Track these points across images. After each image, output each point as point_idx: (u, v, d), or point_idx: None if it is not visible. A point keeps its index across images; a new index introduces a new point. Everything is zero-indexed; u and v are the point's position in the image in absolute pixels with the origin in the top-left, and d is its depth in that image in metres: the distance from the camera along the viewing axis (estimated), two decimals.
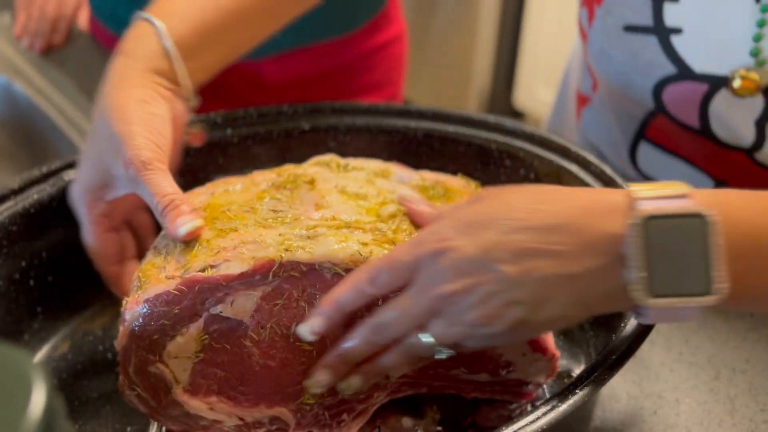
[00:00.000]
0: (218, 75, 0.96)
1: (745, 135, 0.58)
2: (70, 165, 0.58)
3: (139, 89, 0.51)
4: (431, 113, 0.64)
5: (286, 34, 0.90)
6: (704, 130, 0.60)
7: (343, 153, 0.65)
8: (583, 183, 0.57)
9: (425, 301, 0.40)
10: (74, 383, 0.56)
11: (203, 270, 0.44)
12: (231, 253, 0.44)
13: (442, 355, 0.42)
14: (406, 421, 0.50)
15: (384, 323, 0.42)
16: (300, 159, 0.64)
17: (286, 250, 0.44)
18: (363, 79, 1.00)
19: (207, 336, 0.45)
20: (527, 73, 1.93)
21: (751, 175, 0.62)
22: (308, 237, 0.45)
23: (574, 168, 0.58)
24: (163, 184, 0.48)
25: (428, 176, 0.57)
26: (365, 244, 0.45)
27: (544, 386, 0.52)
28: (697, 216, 0.37)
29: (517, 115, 2.01)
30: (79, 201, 0.53)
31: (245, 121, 0.64)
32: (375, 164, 0.57)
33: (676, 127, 0.63)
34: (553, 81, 1.97)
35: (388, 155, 0.63)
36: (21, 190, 0.56)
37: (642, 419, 0.49)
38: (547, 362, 0.47)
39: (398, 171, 0.57)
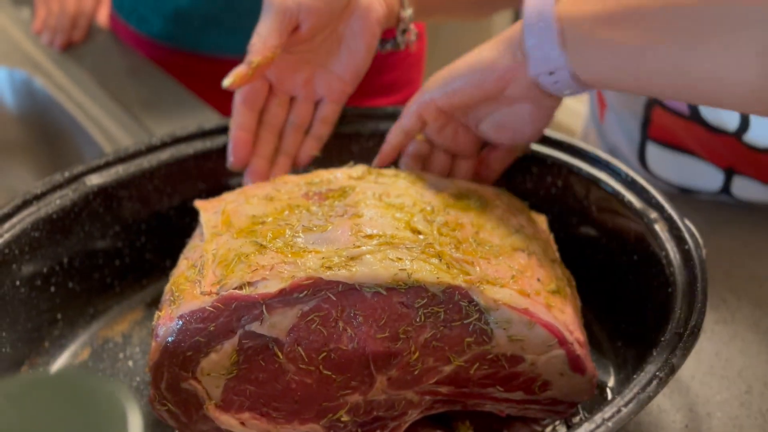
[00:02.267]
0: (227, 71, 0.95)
1: (730, 117, 0.59)
2: (93, 170, 0.57)
3: None
4: None
5: None
6: (694, 116, 0.61)
7: (367, 159, 0.64)
8: (612, 192, 0.56)
9: None
10: None
11: (240, 287, 0.43)
12: (269, 272, 0.43)
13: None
14: None
15: None
16: (323, 165, 0.63)
17: (328, 268, 0.43)
18: (382, 79, 0.99)
19: (242, 353, 0.45)
20: None
21: (749, 161, 0.62)
22: (350, 258, 0.44)
23: (603, 176, 0.57)
24: (270, 29, 0.54)
25: (462, 184, 0.56)
26: (411, 260, 0.44)
27: None
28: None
29: None
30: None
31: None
32: (405, 173, 0.56)
33: (671, 117, 0.63)
34: None
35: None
36: (43, 195, 0.54)
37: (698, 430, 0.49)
38: (587, 382, 0.47)
39: (430, 179, 0.56)
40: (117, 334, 0.60)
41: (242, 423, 0.47)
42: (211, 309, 0.43)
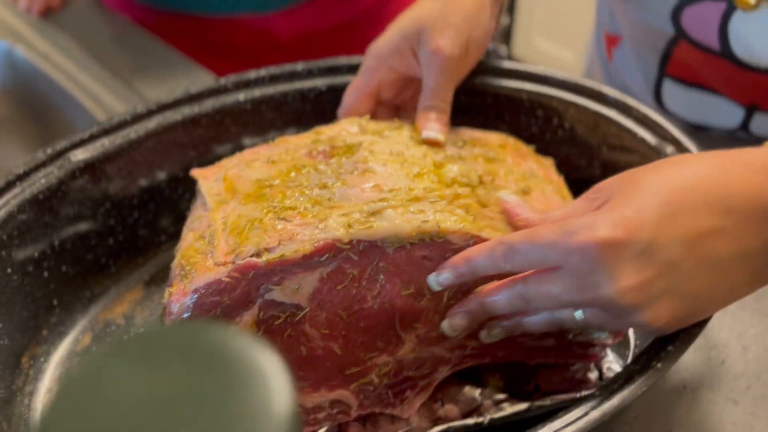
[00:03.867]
0: (225, 33, 0.91)
1: (765, 53, 0.57)
2: (77, 144, 0.53)
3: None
4: None
5: None
6: (725, 52, 0.59)
7: None
8: (623, 129, 0.54)
9: (580, 297, 0.37)
10: None
11: (257, 254, 0.41)
12: (287, 235, 0.41)
13: (602, 335, 0.41)
14: (469, 391, 0.48)
15: (535, 298, 0.39)
16: (317, 122, 0.60)
17: (349, 226, 0.41)
18: (375, 31, 0.95)
19: (262, 324, 0.42)
20: (524, 24, 1.90)
21: None
22: (371, 213, 0.42)
23: (613, 114, 0.56)
24: (445, 86, 0.52)
25: (465, 133, 0.54)
26: (433, 212, 0.42)
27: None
28: None
29: None
30: (380, 51, 0.54)
31: (257, 84, 0.59)
32: (408, 124, 0.53)
33: (698, 53, 0.61)
34: (550, 31, 1.94)
35: (405, 111, 0.60)
36: (27, 174, 0.51)
37: (710, 370, 0.48)
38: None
39: (429, 126, 0.53)
40: (118, 316, 0.57)
41: None
42: (227, 279, 0.40)
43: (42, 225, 0.52)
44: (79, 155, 0.53)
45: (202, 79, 0.84)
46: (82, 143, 0.53)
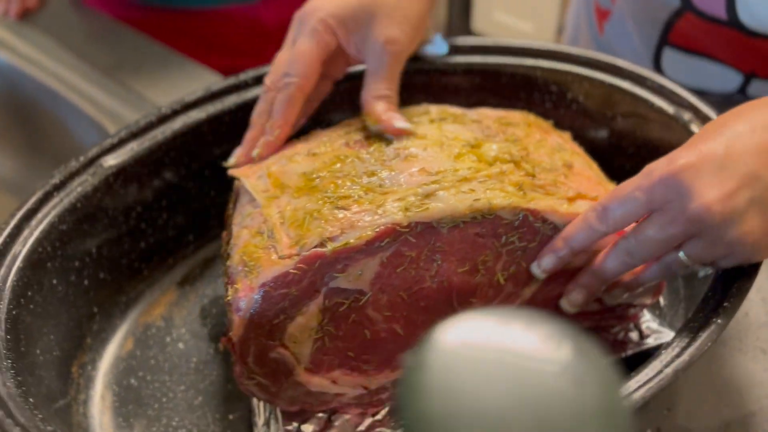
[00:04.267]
0: (213, 26, 0.90)
1: None
2: (107, 150, 0.53)
3: None
4: (468, 47, 0.62)
5: None
6: (732, 21, 0.61)
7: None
8: (639, 99, 0.57)
9: (679, 226, 0.40)
10: (155, 379, 0.53)
11: (321, 244, 0.42)
12: (348, 223, 0.42)
13: (702, 272, 0.43)
14: None
15: (638, 248, 0.41)
16: (337, 110, 0.61)
17: (406, 209, 0.42)
18: None
19: (327, 311, 0.43)
20: None
21: None
22: (425, 196, 0.43)
23: (626, 85, 0.58)
24: (395, 76, 0.51)
25: (486, 112, 0.56)
26: (483, 191, 0.43)
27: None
28: None
29: None
30: (315, 17, 0.51)
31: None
32: (432, 108, 0.54)
33: (702, 23, 0.63)
34: (509, 4, 1.96)
35: (426, 96, 0.61)
36: (63, 184, 0.50)
37: (736, 322, 0.51)
38: (655, 284, 0.48)
39: (455, 111, 0.55)
40: (157, 319, 0.58)
41: (334, 381, 0.46)
42: (294, 272, 0.41)
43: (81, 233, 0.52)
44: (111, 161, 0.53)
45: (195, 73, 0.83)
46: (112, 149, 0.53)
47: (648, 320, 0.52)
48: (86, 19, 0.92)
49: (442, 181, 0.44)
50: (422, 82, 0.62)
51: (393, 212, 0.42)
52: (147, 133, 0.55)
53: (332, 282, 0.43)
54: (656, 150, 0.57)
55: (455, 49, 0.62)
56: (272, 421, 0.47)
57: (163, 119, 0.56)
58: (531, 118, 0.56)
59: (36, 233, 0.48)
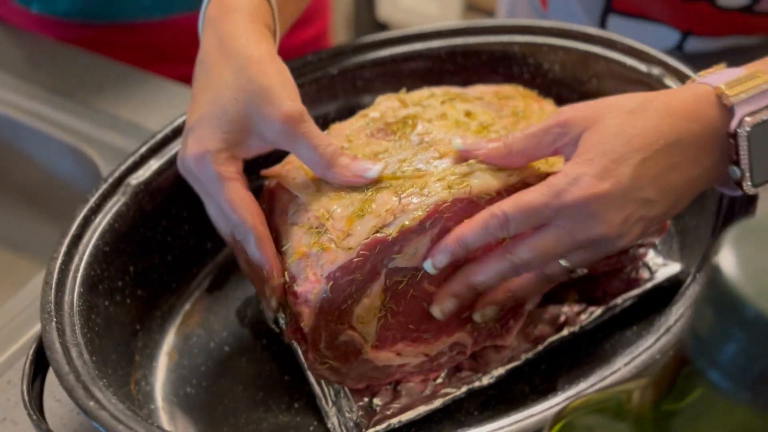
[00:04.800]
0: (163, 35, 0.89)
1: None
2: (131, 169, 0.54)
3: (265, 44, 0.48)
4: (449, 30, 0.65)
5: None
6: None
7: (370, 89, 0.66)
8: (612, 62, 0.62)
9: (573, 243, 0.44)
10: (211, 384, 0.55)
11: (378, 231, 0.45)
12: (399, 208, 0.45)
13: (577, 274, 0.47)
14: (553, 309, 0.55)
15: (525, 262, 0.44)
16: (333, 104, 0.64)
17: (450, 188, 0.46)
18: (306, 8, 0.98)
19: (388, 290, 0.46)
20: None
21: (715, 22, 0.71)
22: (463, 175, 0.47)
23: (598, 49, 0.63)
24: (318, 134, 0.46)
25: (480, 88, 0.60)
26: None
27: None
28: None
29: (383, 27, 2.03)
30: (207, 165, 0.46)
31: None
32: (435, 90, 0.58)
33: None
34: None
35: (413, 81, 0.65)
36: (99, 206, 0.51)
37: None
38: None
39: (455, 90, 0.58)
40: (195, 328, 0.59)
41: (398, 353, 0.49)
42: (357, 259, 0.44)
43: (121, 253, 0.52)
44: (138, 178, 0.54)
45: (159, 86, 0.84)
46: (135, 167, 0.54)
47: (652, 257, 0.58)
48: (31, 45, 0.89)
49: (473, 160, 0.47)
50: (411, 69, 0.66)
51: (438, 192, 0.46)
52: (165, 147, 0.56)
53: (391, 263, 0.46)
54: None
55: (437, 35, 0.66)
56: (343, 401, 0.50)
57: (179, 131, 0.57)
58: (521, 89, 0.61)
59: (85, 257, 0.48)
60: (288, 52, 1.00)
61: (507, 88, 0.60)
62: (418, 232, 0.46)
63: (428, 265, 0.46)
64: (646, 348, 0.43)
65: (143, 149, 0.55)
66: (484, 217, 0.44)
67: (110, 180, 0.52)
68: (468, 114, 0.54)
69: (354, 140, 0.52)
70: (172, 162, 0.56)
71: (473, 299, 0.49)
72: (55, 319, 0.44)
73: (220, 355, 0.57)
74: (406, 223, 0.45)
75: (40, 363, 0.44)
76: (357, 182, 0.46)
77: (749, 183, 0.46)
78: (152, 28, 0.91)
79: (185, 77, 0.88)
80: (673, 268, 0.57)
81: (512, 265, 0.45)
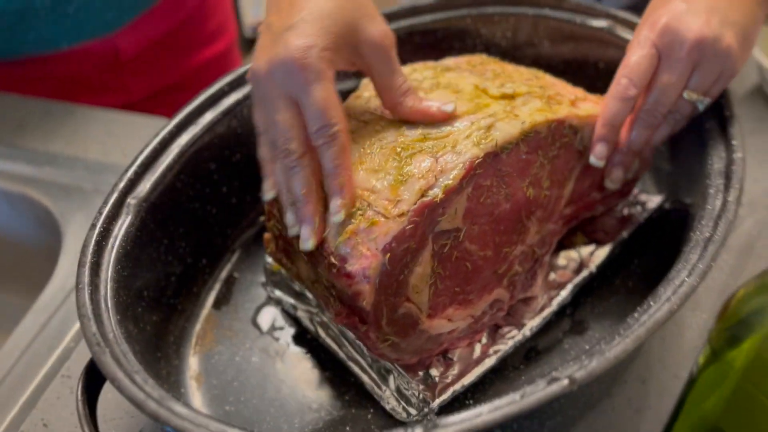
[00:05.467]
0: (73, 65, 0.84)
1: None
2: (129, 188, 0.50)
3: None
4: (405, 11, 0.67)
5: None
6: None
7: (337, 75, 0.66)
8: (563, 21, 0.66)
9: (685, 60, 0.50)
10: (251, 397, 0.52)
11: (423, 195, 0.45)
12: (438, 170, 0.45)
13: (702, 105, 0.52)
14: (566, 254, 0.57)
15: (659, 102, 0.51)
16: None
17: (478, 143, 0.47)
18: (208, 25, 0.96)
19: (436, 256, 0.47)
20: None
21: None
22: (487, 128, 0.48)
23: (547, 12, 0.67)
24: (401, 67, 0.50)
25: (456, 60, 0.61)
26: (523, 113, 0.49)
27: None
28: None
29: None
30: (311, 58, 0.45)
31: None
32: (420, 66, 0.59)
33: None
34: None
35: None
36: (107, 229, 0.47)
37: None
38: (645, 160, 0.58)
39: (432, 64, 0.60)
40: (213, 345, 0.56)
41: (449, 319, 0.49)
42: (410, 227, 0.44)
43: (135, 278, 0.49)
44: (135, 197, 0.50)
45: (86, 115, 0.79)
46: (132, 185, 0.51)
47: (639, 194, 0.62)
48: None
49: (496, 114, 0.49)
50: None
51: (468, 148, 0.46)
52: (156, 160, 0.53)
53: (437, 227, 0.46)
54: (585, 61, 0.67)
55: (394, 16, 0.67)
56: (398, 381, 0.49)
57: (165, 144, 0.54)
58: (484, 56, 0.63)
59: (110, 283, 0.45)
60: (196, 70, 0.98)
61: (475, 57, 0.62)
62: (458, 191, 0.46)
63: (594, 159, 0.52)
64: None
65: (136, 166, 0.51)
66: (614, 93, 0.52)
67: (111, 201, 0.49)
68: (459, 80, 0.55)
69: (360, 120, 0.51)
70: (164, 175, 0.53)
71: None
72: (108, 350, 0.40)
73: (250, 367, 0.54)
74: (449, 182, 0.45)
75: (92, 401, 0.41)
76: (428, 116, 0.48)
77: None
78: (62, 59, 0.85)
79: (109, 106, 0.84)
80: (657, 200, 0.61)
81: (649, 113, 0.52)
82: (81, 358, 0.56)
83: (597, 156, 0.52)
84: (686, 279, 0.42)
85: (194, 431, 0.36)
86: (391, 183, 0.45)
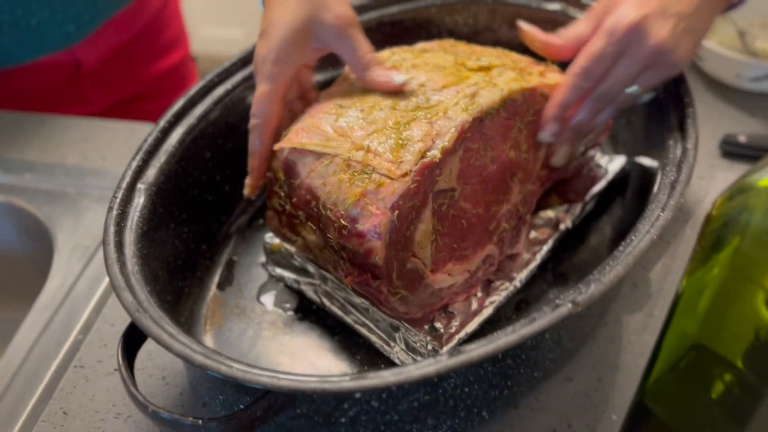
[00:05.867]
0: (38, 79, 0.85)
1: None
2: (137, 173, 0.53)
3: None
4: (375, 3, 0.71)
5: (98, 7, 0.83)
6: None
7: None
8: (520, 6, 0.72)
9: (640, 62, 0.53)
10: (271, 366, 0.55)
11: (423, 156, 0.49)
12: (434, 133, 0.50)
13: (646, 97, 0.56)
14: (544, 214, 0.62)
15: (610, 89, 0.54)
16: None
17: (466, 109, 0.51)
18: (163, 36, 0.98)
19: (436, 214, 0.51)
20: (191, 17, 1.93)
21: None
22: (471, 96, 0.52)
23: None
24: (365, 42, 0.54)
25: (428, 43, 0.66)
26: (501, 82, 0.54)
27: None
28: None
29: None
30: (272, 57, 0.54)
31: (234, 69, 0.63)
32: (389, 51, 0.63)
33: None
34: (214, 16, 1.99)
35: None
36: (124, 212, 0.49)
37: None
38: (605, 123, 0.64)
39: (407, 47, 0.64)
40: (223, 324, 0.58)
41: (449, 274, 0.53)
42: (414, 185, 0.48)
43: (152, 256, 0.51)
44: (145, 182, 0.53)
45: (58, 123, 0.80)
46: (140, 171, 0.53)
47: (600, 157, 0.68)
48: None
49: (478, 84, 0.54)
50: None
51: (458, 113, 0.51)
52: (159, 147, 0.55)
53: (435, 186, 0.50)
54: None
55: (365, 8, 0.71)
56: (406, 336, 0.53)
57: (165, 132, 0.56)
58: (453, 40, 0.68)
59: (134, 259, 0.47)
60: (154, 81, 1.00)
61: (444, 41, 0.67)
62: (452, 153, 0.50)
63: (545, 135, 0.56)
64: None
65: (141, 153, 0.54)
66: (569, 80, 0.54)
67: (123, 186, 0.51)
68: (438, 58, 0.59)
69: (353, 96, 0.55)
70: (170, 161, 0.55)
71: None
72: (148, 314, 0.43)
73: (262, 340, 0.57)
74: (446, 144, 0.49)
75: (130, 365, 0.43)
76: (386, 86, 0.53)
77: None
78: (24, 73, 0.86)
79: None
80: (620, 160, 0.67)
81: (598, 99, 0.55)
82: (91, 349, 0.57)
83: (549, 133, 0.56)
84: (661, 214, 0.48)
85: (245, 376, 0.39)
86: (392, 146, 0.49)
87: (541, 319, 0.42)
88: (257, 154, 0.56)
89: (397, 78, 0.54)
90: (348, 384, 0.38)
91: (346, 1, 0.55)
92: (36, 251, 0.71)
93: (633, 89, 0.55)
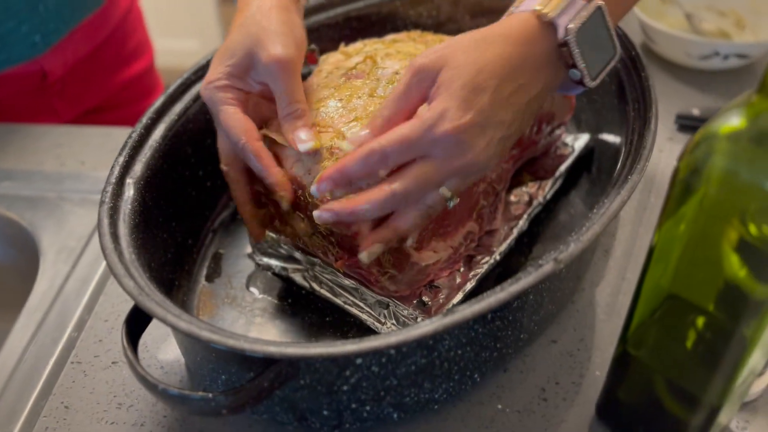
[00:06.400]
0: (7, 90, 0.85)
1: None
2: (125, 167, 0.54)
3: None
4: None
5: (64, 17, 0.84)
6: None
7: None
8: None
9: (448, 171, 0.47)
10: None
11: None
12: None
13: (451, 203, 0.49)
14: (518, 192, 0.65)
15: (407, 191, 0.47)
16: None
17: None
18: (127, 45, 0.99)
19: None
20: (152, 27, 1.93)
21: None
22: None
23: None
24: (296, 88, 0.52)
25: (397, 35, 0.69)
26: None
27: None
28: (597, 9, 0.49)
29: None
30: (210, 92, 0.54)
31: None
32: (362, 42, 0.66)
33: None
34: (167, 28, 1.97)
35: (321, 50, 0.72)
36: (116, 205, 0.51)
37: None
38: (568, 101, 0.67)
39: (378, 39, 0.67)
40: (213, 312, 0.60)
41: (434, 251, 0.56)
42: None
43: (144, 248, 0.52)
44: (133, 176, 0.54)
45: (31, 132, 0.81)
46: (127, 166, 0.54)
47: (566, 137, 0.71)
48: None
49: None
50: (314, 38, 0.73)
51: None
52: (145, 142, 0.57)
53: None
54: None
55: (331, 5, 0.73)
56: (396, 312, 0.55)
57: (149, 128, 0.58)
58: (419, 32, 0.71)
59: (131, 249, 0.48)
60: (119, 90, 1.01)
61: (411, 33, 0.70)
62: None
63: (313, 190, 0.49)
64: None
65: (128, 148, 0.55)
66: (364, 151, 0.47)
67: (112, 180, 0.52)
68: (409, 47, 0.62)
69: (329, 88, 0.58)
70: (154, 156, 0.57)
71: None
72: (150, 298, 0.44)
73: (255, 326, 0.58)
74: None
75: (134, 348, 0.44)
76: (290, 144, 0.51)
77: (588, 79, 0.51)
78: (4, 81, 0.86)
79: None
80: (584, 138, 0.71)
81: (394, 196, 0.46)
82: (86, 345, 0.58)
83: (318, 189, 0.49)
84: (629, 177, 0.51)
85: (253, 347, 0.41)
86: (354, 115, 0.52)
87: (527, 277, 0.44)
88: (266, 170, 0.52)
89: (302, 146, 0.51)
90: (352, 347, 0.40)
91: (289, 37, 0.52)
92: (20, 261, 0.71)
93: (441, 192, 0.48)
